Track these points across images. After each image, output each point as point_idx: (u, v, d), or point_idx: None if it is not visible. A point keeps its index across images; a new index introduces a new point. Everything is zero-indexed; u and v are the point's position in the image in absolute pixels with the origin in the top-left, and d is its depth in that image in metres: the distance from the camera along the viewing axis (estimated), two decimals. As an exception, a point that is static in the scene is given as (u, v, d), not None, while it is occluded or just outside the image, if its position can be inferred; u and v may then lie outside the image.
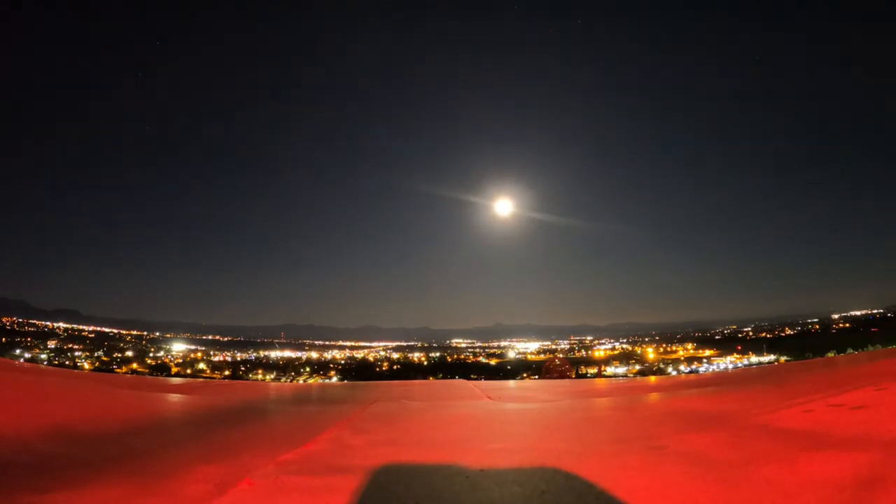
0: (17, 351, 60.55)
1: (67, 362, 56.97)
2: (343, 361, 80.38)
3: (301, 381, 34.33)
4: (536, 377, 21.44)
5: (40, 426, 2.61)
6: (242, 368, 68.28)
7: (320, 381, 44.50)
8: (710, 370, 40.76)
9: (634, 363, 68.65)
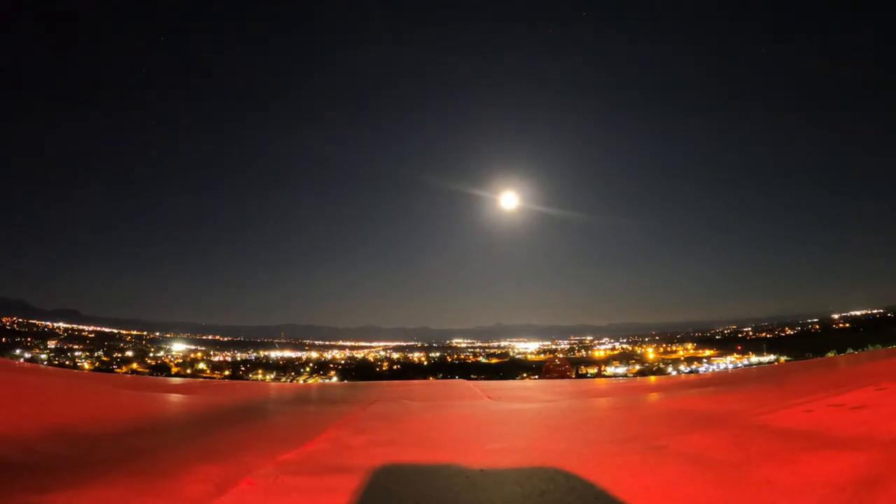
0: (18, 351, 60.50)
1: (67, 362, 56.93)
2: (343, 361, 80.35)
3: (301, 381, 34.33)
4: (536, 377, 21.45)
5: (40, 426, 2.61)
6: (242, 368, 68.24)
7: (320, 381, 44.50)
8: (710, 370, 40.75)
9: (634, 363, 68.59)
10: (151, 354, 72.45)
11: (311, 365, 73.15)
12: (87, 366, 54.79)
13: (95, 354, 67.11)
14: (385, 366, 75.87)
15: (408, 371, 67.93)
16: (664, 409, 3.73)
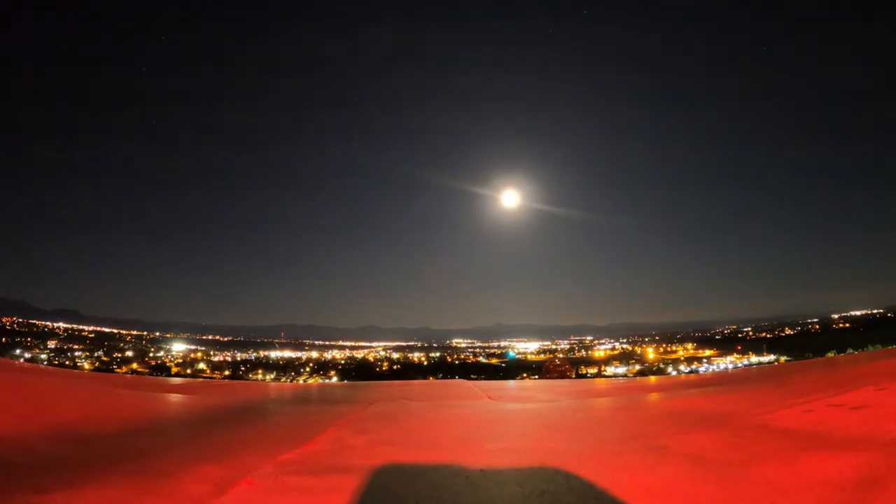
0: (17, 351, 60.51)
1: (67, 362, 56.93)
2: (343, 361, 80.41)
3: (301, 381, 34.31)
4: (536, 377, 21.43)
5: (40, 426, 2.61)
6: (242, 368, 68.27)
7: (320, 381, 44.48)
8: (710, 370, 40.71)
9: (634, 363, 68.61)
10: (151, 354, 72.47)
11: (311, 365, 73.16)
12: (87, 366, 54.73)
13: (95, 354, 67.11)
14: (385, 366, 75.86)
15: (408, 371, 67.92)
16: (664, 409, 3.73)
